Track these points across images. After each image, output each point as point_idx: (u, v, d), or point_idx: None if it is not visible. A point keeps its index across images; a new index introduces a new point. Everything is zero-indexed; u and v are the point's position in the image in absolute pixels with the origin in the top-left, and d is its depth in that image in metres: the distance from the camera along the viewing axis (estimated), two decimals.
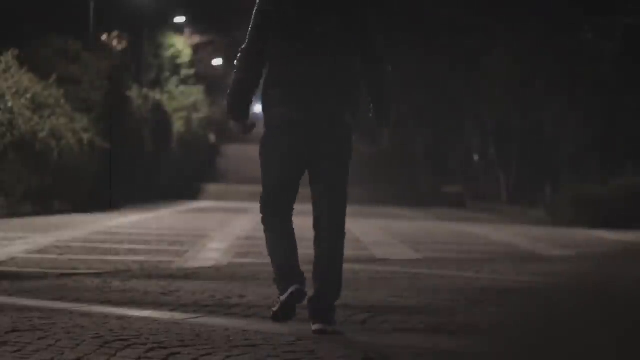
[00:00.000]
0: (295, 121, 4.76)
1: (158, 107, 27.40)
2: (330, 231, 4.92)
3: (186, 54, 37.99)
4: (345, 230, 4.99)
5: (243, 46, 4.90)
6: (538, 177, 28.27)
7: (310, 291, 4.80)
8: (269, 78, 4.84)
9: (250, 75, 4.87)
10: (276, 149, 4.83)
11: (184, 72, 37.42)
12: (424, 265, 8.82)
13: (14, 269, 7.67)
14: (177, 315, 5.06)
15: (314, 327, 4.67)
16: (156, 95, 28.44)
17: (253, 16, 4.87)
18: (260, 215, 5.00)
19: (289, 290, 4.70)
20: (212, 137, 40.80)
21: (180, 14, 38.46)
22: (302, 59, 4.75)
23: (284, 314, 4.79)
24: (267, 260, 5.17)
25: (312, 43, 4.76)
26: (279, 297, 4.80)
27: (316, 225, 4.97)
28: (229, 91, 4.96)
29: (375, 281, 7.19)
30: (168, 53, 36.87)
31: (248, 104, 4.94)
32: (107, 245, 10.27)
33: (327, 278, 4.83)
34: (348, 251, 10.25)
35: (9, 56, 17.88)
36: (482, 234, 14.95)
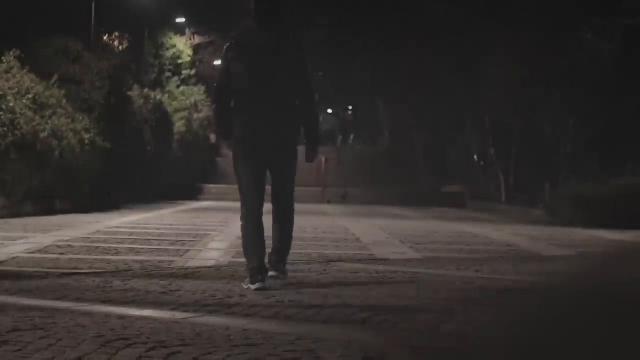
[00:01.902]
0: (259, 139, 6.54)
1: (159, 107, 27.40)
2: (284, 211, 6.76)
3: (187, 54, 37.99)
4: (295, 213, 6.87)
5: (215, 83, 6.80)
6: (538, 177, 28.28)
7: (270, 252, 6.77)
8: (236, 107, 6.59)
9: (223, 104, 6.74)
10: (247, 161, 6.59)
11: (185, 72, 37.42)
12: (424, 265, 8.84)
13: (15, 268, 7.69)
14: (178, 315, 5.08)
15: (271, 273, 6.62)
16: (157, 95, 28.44)
17: (222, 60, 6.80)
18: (241, 213, 6.74)
19: (257, 285, 6.44)
20: (212, 137, 40.78)
21: (181, 15, 38.47)
22: (260, 94, 6.50)
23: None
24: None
25: (267, 81, 6.51)
26: (248, 282, 6.52)
27: (274, 206, 6.78)
28: (212, 119, 8.03)
29: (375, 281, 7.21)
30: (169, 53, 36.87)
31: (228, 126, 6.69)
32: (108, 245, 10.29)
33: (280, 240, 6.73)
34: (348, 251, 10.35)
35: (11, 56, 17.91)
36: (482, 234, 14.96)
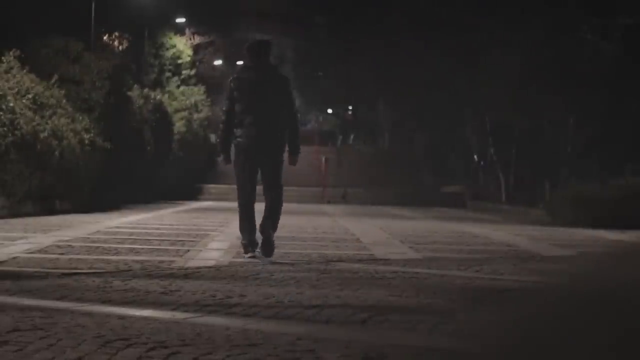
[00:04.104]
0: (253, 148, 8.93)
1: (159, 107, 27.39)
2: (273, 200, 9.03)
3: (187, 54, 37.98)
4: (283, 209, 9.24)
5: (224, 108, 9.30)
6: (538, 177, 28.27)
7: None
8: (237, 123, 8.99)
9: (228, 124, 9.09)
10: (244, 164, 8.98)
11: (185, 72, 37.41)
12: (424, 265, 8.84)
13: (15, 268, 7.69)
14: (178, 315, 5.07)
15: (259, 251, 8.98)
16: (157, 95, 28.42)
17: (227, 90, 9.17)
18: (239, 207, 9.13)
19: (249, 254, 8.98)
20: (212, 137, 40.77)
21: (181, 15, 38.45)
22: (254, 114, 8.91)
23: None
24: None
25: (259, 104, 8.92)
26: (245, 254, 9.02)
27: (266, 197, 9.05)
28: (219, 135, 9.42)
29: (375, 281, 7.21)
30: (169, 53, 36.86)
31: (229, 142, 9.11)
32: (108, 245, 10.29)
33: (268, 224, 8.95)
34: (348, 251, 10.37)
35: (11, 56, 17.91)
36: (482, 234, 14.96)
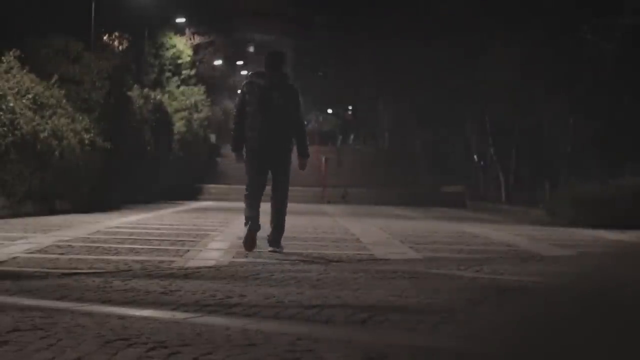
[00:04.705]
0: (262, 148, 9.78)
1: (159, 107, 27.39)
2: (279, 200, 9.89)
3: (187, 54, 37.99)
4: (288, 204, 10.11)
5: (235, 111, 10.18)
6: (538, 177, 28.28)
7: (267, 233, 9.94)
8: (247, 126, 9.83)
9: (239, 126, 9.93)
10: (252, 163, 9.86)
11: (185, 72, 37.42)
12: (424, 265, 8.83)
13: (15, 268, 7.69)
14: (178, 315, 5.07)
15: (269, 249, 9.70)
16: (157, 95, 28.42)
17: (239, 93, 10.09)
18: (245, 194, 9.86)
19: (248, 227, 9.68)
20: (212, 137, 40.80)
21: (181, 15, 38.46)
22: (264, 117, 9.71)
23: (247, 241, 9.72)
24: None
25: (268, 108, 9.71)
26: (245, 226, 9.71)
27: (272, 196, 9.92)
28: (232, 136, 10.17)
29: (375, 281, 7.21)
30: (169, 53, 36.87)
31: (241, 142, 9.94)
32: (108, 245, 10.29)
33: (276, 223, 9.83)
34: (348, 251, 10.37)
35: (11, 56, 17.90)
36: (482, 234, 14.95)
